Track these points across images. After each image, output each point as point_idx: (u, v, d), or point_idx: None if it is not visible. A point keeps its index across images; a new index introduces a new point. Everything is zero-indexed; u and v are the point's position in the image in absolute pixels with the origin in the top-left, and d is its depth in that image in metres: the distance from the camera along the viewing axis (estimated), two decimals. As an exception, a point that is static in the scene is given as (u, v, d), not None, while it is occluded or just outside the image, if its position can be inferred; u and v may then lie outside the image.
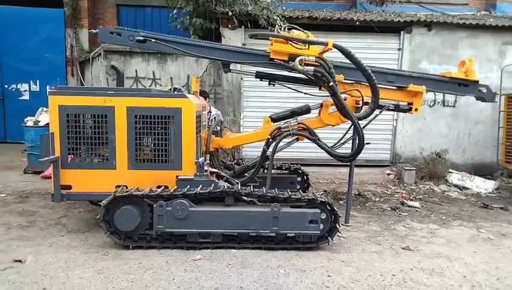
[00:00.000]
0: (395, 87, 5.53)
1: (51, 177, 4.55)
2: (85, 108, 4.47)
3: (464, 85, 5.62)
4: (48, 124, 6.68)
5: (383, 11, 10.54)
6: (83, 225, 5.03)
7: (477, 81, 5.61)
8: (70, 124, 4.46)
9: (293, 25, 5.00)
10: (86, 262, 3.91)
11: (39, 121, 8.01)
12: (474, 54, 9.10)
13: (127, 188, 4.38)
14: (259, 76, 5.47)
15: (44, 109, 8.13)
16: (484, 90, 5.69)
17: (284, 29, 4.93)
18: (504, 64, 8.85)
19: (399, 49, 9.20)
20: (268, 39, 4.96)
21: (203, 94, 6.96)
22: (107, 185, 4.44)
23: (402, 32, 9.13)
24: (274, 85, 5.52)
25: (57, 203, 4.83)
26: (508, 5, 11.54)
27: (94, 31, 5.21)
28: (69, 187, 4.50)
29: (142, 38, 5.00)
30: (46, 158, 4.26)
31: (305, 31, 4.87)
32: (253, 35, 5.12)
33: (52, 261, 3.92)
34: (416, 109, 5.57)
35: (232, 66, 5.43)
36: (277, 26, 5.18)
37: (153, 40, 5.03)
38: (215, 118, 6.82)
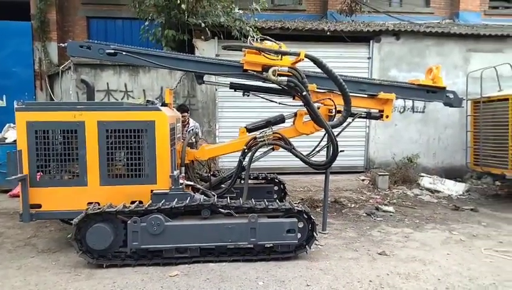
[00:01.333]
0: (366, 95, 5.67)
1: (19, 196, 4.38)
2: (54, 124, 4.34)
3: (432, 92, 5.82)
4: (15, 140, 6.45)
5: (353, 21, 10.82)
6: (54, 244, 4.86)
7: (445, 88, 5.82)
8: (39, 141, 4.31)
9: (265, 36, 5.05)
10: (57, 284, 3.77)
11: (6, 138, 7.72)
12: (441, 61, 9.45)
13: (99, 205, 4.26)
14: (234, 87, 5.49)
15: (12, 125, 7.85)
16: (451, 96, 5.90)
17: (257, 40, 4.97)
18: (469, 71, 9.22)
19: (369, 58, 9.45)
20: (241, 50, 4.99)
21: (183, 108, 6.91)
22: (79, 202, 4.31)
23: (371, 41, 9.39)
24: (248, 96, 5.55)
25: (26, 223, 4.65)
26: (470, 13, 12.07)
27: (63, 45, 5.09)
28: (39, 206, 4.34)
29: (112, 51, 4.93)
30: (13, 177, 4.10)
31: (277, 41, 4.93)
32: (226, 46, 5.14)
33: (21, 285, 3.75)
34: (387, 116, 5.72)
35: (206, 78, 5.42)
36: (249, 37, 5.21)
37: (123, 53, 4.96)
38: (192, 130, 6.77)
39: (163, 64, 5.14)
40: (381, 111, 5.75)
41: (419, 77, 9.32)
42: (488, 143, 7.91)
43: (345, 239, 5.21)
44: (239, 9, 9.16)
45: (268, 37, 5.02)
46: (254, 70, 4.93)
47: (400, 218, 6.30)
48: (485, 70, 8.38)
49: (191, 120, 7.09)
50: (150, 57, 5.04)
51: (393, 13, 11.63)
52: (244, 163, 5.27)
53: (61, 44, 5.24)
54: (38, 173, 4.38)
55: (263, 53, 4.79)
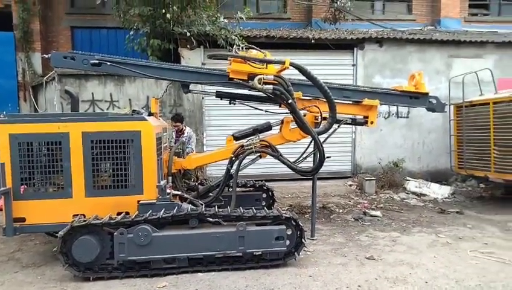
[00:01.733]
0: (351, 102, 5.74)
1: (2, 210, 4.29)
2: (38, 136, 4.29)
3: (415, 97, 5.92)
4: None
5: (337, 29, 10.97)
6: (39, 258, 4.77)
7: (427, 93, 5.94)
8: (22, 153, 4.25)
9: (250, 45, 5.09)
10: (42, 299, 3.70)
11: (-11, 150, 7.56)
12: (423, 67, 9.64)
13: (85, 217, 4.20)
14: (220, 95, 5.50)
15: (-6, 137, 7.69)
16: (434, 101, 6.01)
17: (242, 48, 5.01)
18: (451, 76, 9.42)
19: (353, 65, 9.58)
20: (226, 59, 5.01)
21: (177, 118, 6.89)
22: (64, 215, 4.24)
23: (355, 48, 9.53)
24: (234, 104, 5.57)
25: (9, 237, 4.55)
26: (451, 20, 12.36)
27: (46, 56, 5.04)
28: (23, 219, 4.27)
29: (97, 61, 4.90)
30: (-5, 190, 4.02)
31: (262, 50, 4.98)
32: (211, 55, 5.16)
33: (5, 301, 3.67)
34: (372, 122, 5.79)
35: (192, 86, 5.42)
36: (235, 46, 5.24)
37: (108, 63, 4.94)
38: (185, 138, 6.73)
39: (148, 74, 5.14)
40: (366, 117, 5.83)
41: (402, 83, 9.48)
42: (471, 146, 8.07)
43: (334, 245, 5.24)
44: (224, 18, 9.21)
45: (253, 46, 5.07)
46: (240, 79, 4.96)
47: (387, 222, 6.37)
48: (467, 76, 8.57)
49: (187, 128, 7.06)
50: (134, 66, 5.04)
51: (376, 21, 11.83)
52: (231, 171, 5.27)
53: (44, 55, 5.18)
54: (22, 186, 4.31)
55: (248, 62, 4.83)
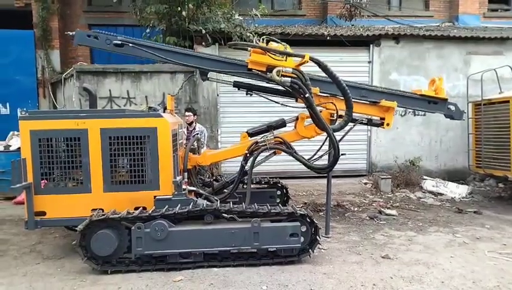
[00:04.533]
0: (368, 102, 5.68)
1: (24, 203, 4.41)
2: (57, 132, 4.39)
3: (434, 102, 5.84)
4: (19, 148, 6.50)
5: (353, 25, 10.86)
6: (59, 251, 4.89)
7: (446, 99, 5.84)
8: (43, 149, 4.36)
9: (271, 37, 5.08)
10: (62, 290, 3.79)
11: (10, 146, 7.77)
12: (441, 64, 9.50)
13: (103, 211, 4.29)
14: (237, 85, 5.50)
15: (15, 132, 7.91)
16: (453, 108, 5.92)
17: (263, 40, 5.00)
18: (469, 73, 9.24)
19: (369, 62, 9.48)
20: (247, 50, 5.02)
21: (191, 111, 6.96)
22: (83, 209, 4.34)
23: (371, 45, 9.43)
24: (251, 95, 5.57)
25: (31, 230, 4.68)
26: (469, 16, 12.11)
27: (70, 34, 5.12)
28: (44, 213, 4.38)
29: (119, 42, 4.97)
30: (18, 185, 4.14)
31: (283, 43, 4.97)
32: (232, 44, 5.20)
33: (27, 292, 3.78)
34: (388, 124, 5.74)
35: (209, 75, 5.44)
36: (256, 37, 5.25)
37: (130, 45, 5.01)
38: (198, 134, 6.78)
39: (169, 59, 5.17)
40: (382, 118, 5.77)
41: (419, 80, 9.42)
42: (490, 145, 7.91)
43: (348, 243, 5.22)
44: (239, 15, 9.22)
45: (274, 38, 5.06)
46: (258, 70, 4.97)
47: (403, 221, 6.30)
48: (486, 73, 8.40)
49: (198, 125, 7.12)
50: (156, 50, 5.09)
51: (393, 17, 11.67)
52: (246, 168, 5.30)
53: (68, 32, 5.23)
54: (43, 181, 4.42)
55: (268, 53, 4.83)
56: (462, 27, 11.22)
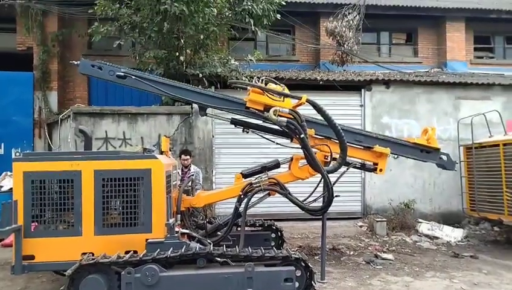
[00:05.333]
0: (362, 147, 5.76)
1: (12, 245, 4.30)
2: (51, 174, 4.38)
3: (426, 151, 5.93)
4: (11, 189, 6.43)
5: (344, 70, 11.24)
6: (45, 297, 4.71)
7: (439, 149, 5.95)
8: (35, 191, 4.32)
9: (270, 78, 5.24)
10: (46, 340, 3.62)
11: (2, 186, 7.70)
12: (431, 108, 9.75)
13: (93, 255, 4.18)
14: (234, 122, 5.57)
15: (9, 173, 7.85)
16: (445, 158, 6.01)
17: (261, 81, 5.15)
18: (459, 117, 9.47)
19: (361, 106, 9.72)
20: (246, 89, 5.15)
21: (188, 154, 6.99)
22: (73, 253, 4.23)
23: (363, 90, 9.71)
24: (248, 132, 5.62)
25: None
26: (457, 63, 12.60)
27: (76, 63, 5.23)
28: (32, 257, 4.26)
29: (122, 74, 5.07)
30: (7, 227, 4.06)
31: (281, 84, 5.12)
32: (232, 82, 5.33)
33: None
34: (381, 170, 5.80)
35: (208, 111, 5.52)
36: (255, 77, 5.42)
37: (133, 77, 5.10)
38: (193, 175, 6.76)
39: (170, 93, 5.28)
40: (375, 164, 5.83)
41: (410, 124, 9.63)
42: (483, 189, 7.96)
43: (345, 289, 5.10)
44: (235, 60, 9.54)
45: (272, 79, 5.22)
46: (256, 109, 5.07)
47: (400, 266, 6.20)
48: (475, 117, 8.61)
49: (192, 166, 7.13)
50: (158, 84, 5.21)
51: (383, 63, 12.11)
52: (240, 209, 5.26)
53: (73, 62, 5.34)
54: (33, 223, 4.34)
55: (267, 93, 4.96)
56: (451, 73, 11.63)
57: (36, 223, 4.36)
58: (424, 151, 5.92)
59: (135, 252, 4.26)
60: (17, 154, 4.54)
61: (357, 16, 11.30)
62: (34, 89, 11.36)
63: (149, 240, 4.33)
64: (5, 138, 10.98)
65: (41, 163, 4.38)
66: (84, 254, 4.21)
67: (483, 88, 9.90)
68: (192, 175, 6.71)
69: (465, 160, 8.63)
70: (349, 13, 11.28)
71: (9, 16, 11.32)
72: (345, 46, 11.20)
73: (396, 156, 9.34)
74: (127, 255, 4.12)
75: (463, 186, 8.66)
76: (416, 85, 9.80)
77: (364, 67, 11.69)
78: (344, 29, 11.06)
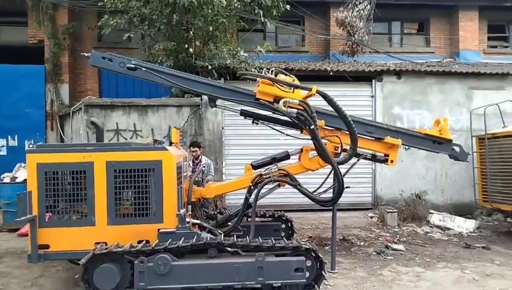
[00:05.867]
0: (373, 138, 5.72)
1: (27, 235, 4.40)
2: (64, 165, 4.43)
3: (438, 143, 5.87)
4: (25, 180, 6.55)
5: (355, 61, 11.13)
6: (61, 284, 4.82)
7: (451, 140, 5.87)
8: (49, 182, 4.38)
9: (280, 69, 5.21)
10: (62, 326, 3.71)
11: (16, 177, 7.84)
12: (443, 98, 9.61)
13: (106, 244, 4.25)
14: (244, 114, 5.55)
15: (23, 164, 7.99)
16: (457, 149, 5.94)
17: (271, 72, 5.12)
18: (472, 108, 9.33)
19: (372, 96, 9.63)
20: (256, 80, 5.13)
21: (197, 146, 7.03)
22: (86, 242, 4.30)
23: (373, 80, 9.61)
24: (257, 124, 5.59)
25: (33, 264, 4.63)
26: (470, 52, 12.37)
27: (86, 55, 5.25)
28: (47, 246, 4.34)
29: (133, 65, 5.08)
30: (23, 217, 4.15)
31: (291, 75, 5.09)
32: (242, 74, 5.31)
33: (26, 328, 3.70)
34: (392, 161, 5.74)
35: (217, 102, 5.52)
36: (265, 68, 5.39)
37: (143, 69, 5.12)
38: (204, 167, 6.80)
39: (180, 84, 5.28)
40: (386, 155, 5.79)
41: (422, 114, 9.52)
42: (496, 179, 7.86)
43: (355, 279, 5.10)
44: (244, 51, 9.50)
45: (282, 70, 5.19)
46: (266, 100, 5.06)
47: (411, 256, 6.18)
48: (488, 107, 8.47)
49: (203, 157, 7.17)
50: (168, 75, 5.20)
51: (394, 53, 11.94)
52: (250, 200, 5.28)
53: (84, 54, 5.37)
54: (47, 214, 4.42)
55: (276, 84, 4.94)
56: (463, 63, 11.44)
57: (50, 214, 4.44)
58: (436, 143, 5.86)
59: (147, 241, 4.32)
60: (31, 146, 4.58)
61: (368, 6, 11.14)
62: (45, 81, 11.49)
63: (161, 230, 4.38)
64: (18, 130, 11.17)
65: (55, 155, 4.44)
66: (97, 243, 4.28)
67: (497, 78, 9.72)
68: (204, 167, 6.74)
69: (477, 151, 8.52)
70: (359, 3, 11.13)
71: (21, 10, 11.43)
72: (356, 36, 11.07)
73: (407, 147, 9.37)
74: (140, 245, 4.17)
75: (475, 177, 8.56)
76: (428, 75, 9.66)
77: (375, 57, 11.55)
78: (355, 19, 10.92)
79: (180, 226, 4.41)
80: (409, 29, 13.47)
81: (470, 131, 8.92)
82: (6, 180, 7.84)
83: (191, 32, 8.78)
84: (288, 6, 9.72)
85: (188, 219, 4.64)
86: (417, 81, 9.66)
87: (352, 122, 4.97)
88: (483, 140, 8.24)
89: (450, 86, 9.69)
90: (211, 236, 4.55)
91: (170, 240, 4.23)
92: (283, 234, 6.18)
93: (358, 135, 5.18)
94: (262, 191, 5.27)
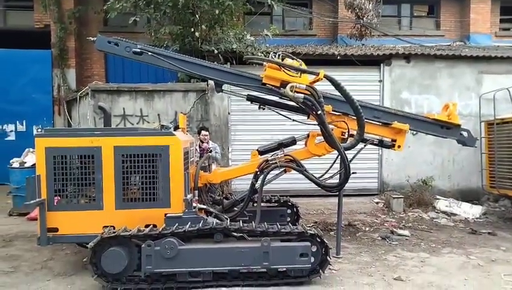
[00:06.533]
0: (380, 123, 5.67)
1: (37, 219, 4.47)
2: (72, 149, 4.48)
3: (447, 128, 5.80)
4: (34, 164, 6.62)
5: (363, 44, 10.96)
6: (70, 267, 4.92)
7: (459, 125, 5.80)
8: (57, 166, 4.43)
9: (287, 53, 5.15)
10: (72, 308, 3.80)
11: (25, 162, 7.93)
12: (453, 82, 9.47)
13: (114, 228, 4.32)
14: (250, 99, 5.52)
15: (31, 149, 8.07)
16: (465, 134, 5.87)
17: (278, 56, 5.05)
18: (481, 92, 9.18)
19: (380, 81, 9.51)
20: (262, 64, 5.09)
21: (206, 129, 7.05)
22: (95, 226, 4.37)
23: (382, 64, 9.47)
24: (264, 109, 5.57)
25: (43, 247, 4.73)
26: (481, 35, 12.12)
27: (92, 39, 5.25)
28: (56, 229, 4.42)
29: (139, 50, 5.07)
30: (32, 201, 4.21)
31: (298, 59, 5.02)
32: (248, 58, 5.27)
33: (37, 309, 3.80)
34: (399, 146, 5.69)
35: (224, 87, 5.49)
36: (272, 52, 5.33)
37: (149, 53, 5.10)
38: (211, 150, 6.81)
39: (186, 69, 5.25)
40: (393, 140, 5.74)
41: (431, 99, 9.39)
42: (504, 165, 7.78)
43: (360, 264, 5.14)
44: (251, 35, 9.40)
45: (289, 55, 5.13)
46: (272, 85, 5.02)
47: (416, 242, 6.19)
48: (498, 92, 8.33)
49: (210, 142, 7.19)
50: (174, 60, 5.17)
51: (403, 36, 11.75)
52: (256, 186, 5.30)
53: (90, 38, 5.36)
54: (56, 197, 4.48)
55: (283, 69, 4.89)
56: (474, 46, 11.21)
57: (59, 197, 4.50)
58: (445, 128, 5.80)
59: (154, 226, 4.37)
60: (39, 130, 4.61)
61: (377, -13, 10.91)
62: (52, 66, 11.51)
63: (168, 215, 4.43)
64: (26, 115, 11.27)
65: (63, 139, 4.48)
66: (105, 227, 4.35)
67: (508, 62, 9.51)
68: (211, 151, 6.75)
69: (486, 136, 8.42)
70: (368, -16, 10.90)
71: (26, -6, 11.40)
72: (364, 19, 10.89)
73: (414, 132, 9.29)
74: (147, 229, 4.23)
75: (483, 163, 8.48)
76: (437, 59, 9.49)
77: (384, 41, 11.37)
78: (363, 1, 10.73)
79: (186, 211, 4.46)
80: (419, 12, 13.21)
81: (478, 116, 8.80)
82: (15, 165, 7.93)
83: (197, 16, 8.70)
84: (295, -11, 9.57)
85: (194, 204, 4.69)
86: (426, 65, 9.50)
87: (359, 107, 4.92)
88: (492, 125, 8.14)
89: (459, 70, 9.53)
90: (217, 221, 4.59)
91: (177, 224, 4.28)
92: (288, 219, 6.23)
93: (366, 120, 5.13)
94: (269, 176, 5.28)
